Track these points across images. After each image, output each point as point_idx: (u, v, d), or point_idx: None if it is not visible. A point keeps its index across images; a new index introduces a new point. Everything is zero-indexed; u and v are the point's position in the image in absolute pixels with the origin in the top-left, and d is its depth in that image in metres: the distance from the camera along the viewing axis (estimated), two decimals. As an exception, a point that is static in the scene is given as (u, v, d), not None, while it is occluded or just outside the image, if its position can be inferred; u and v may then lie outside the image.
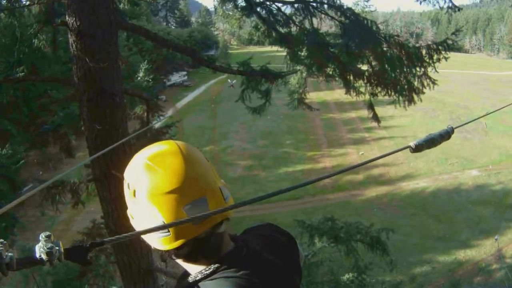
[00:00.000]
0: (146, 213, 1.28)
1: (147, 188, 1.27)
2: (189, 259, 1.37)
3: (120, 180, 1.43)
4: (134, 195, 1.31)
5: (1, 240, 0.97)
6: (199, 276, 1.33)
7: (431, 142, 1.33)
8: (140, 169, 1.30)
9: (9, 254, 0.96)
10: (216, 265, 1.33)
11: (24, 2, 6.76)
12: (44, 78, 12.28)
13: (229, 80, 41.16)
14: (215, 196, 1.30)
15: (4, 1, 6.58)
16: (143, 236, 1.29)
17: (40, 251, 1.00)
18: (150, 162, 1.30)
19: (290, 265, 1.54)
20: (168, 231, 1.26)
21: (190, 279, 1.36)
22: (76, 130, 8.28)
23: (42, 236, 1.02)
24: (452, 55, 6.54)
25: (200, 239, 1.29)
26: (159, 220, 1.25)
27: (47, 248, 1.00)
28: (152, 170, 1.28)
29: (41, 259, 1.00)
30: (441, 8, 6.22)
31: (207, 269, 1.33)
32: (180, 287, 1.45)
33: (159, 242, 1.29)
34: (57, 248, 1.00)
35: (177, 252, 1.33)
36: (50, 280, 12.47)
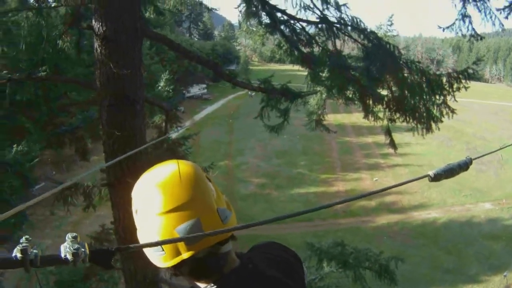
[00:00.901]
0: (146, 230, 1.37)
1: (145, 208, 1.36)
2: (191, 276, 1.41)
3: (133, 188, 1.48)
4: (137, 212, 1.40)
5: (27, 236, 0.98)
6: None
7: (450, 172, 1.32)
8: (141, 189, 1.40)
9: (34, 251, 0.97)
10: (220, 282, 1.37)
11: (51, 3, 6.88)
12: (66, 80, 12.44)
13: (249, 93, 41.49)
14: (211, 218, 1.34)
15: (32, 0, 6.70)
16: (146, 253, 1.39)
17: (65, 251, 1.01)
18: (150, 183, 1.37)
19: (296, 283, 1.55)
20: (163, 250, 1.33)
21: None
22: (93, 134, 8.36)
23: (68, 236, 1.03)
24: (471, 84, 6.46)
25: (198, 258, 1.35)
26: (155, 239, 1.32)
27: (73, 249, 1.01)
28: (150, 192, 1.35)
29: (66, 259, 1.00)
30: (464, 36, 6.17)
31: (209, 286, 1.38)
32: None
33: (159, 260, 1.37)
34: (83, 249, 1.02)
35: (180, 270, 1.40)
36: (53, 280, 12.49)
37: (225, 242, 1.40)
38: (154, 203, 1.33)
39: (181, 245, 1.32)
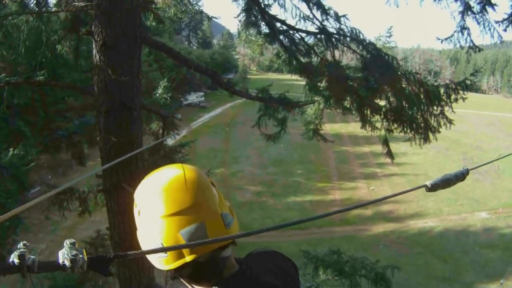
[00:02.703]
0: (148, 232, 1.37)
1: (149, 210, 1.36)
2: (192, 279, 1.41)
3: (130, 194, 1.51)
4: (139, 214, 1.40)
5: (25, 242, 0.98)
6: None
7: (447, 182, 1.33)
8: (146, 192, 1.40)
9: (32, 257, 0.97)
10: (218, 286, 1.38)
11: (51, 8, 6.89)
12: (64, 85, 12.42)
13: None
14: (215, 222, 1.35)
15: (33, 5, 6.71)
16: (147, 256, 1.37)
17: (63, 257, 1.01)
18: (155, 186, 1.38)
19: None
20: (166, 253, 1.34)
21: None
22: (90, 139, 8.36)
23: (66, 242, 1.03)
24: (469, 95, 6.49)
25: (199, 262, 1.35)
26: (158, 241, 1.33)
27: (72, 255, 1.01)
28: (155, 194, 1.36)
29: (64, 265, 1.00)
30: (462, 48, 6.18)
31: None
32: None
33: (159, 262, 1.37)
34: (81, 256, 1.01)
35: (180, 272, 1.40)
36: (48, 284, 12.42)
37: (226, 247, 1.41)
38: (159, 205, 1.33)
39: (184, 249, 1.32)
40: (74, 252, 1.01)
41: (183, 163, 1.57)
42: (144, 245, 1.40)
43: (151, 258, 1.40)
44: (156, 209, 1.34)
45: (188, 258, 1.33)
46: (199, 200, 1.35)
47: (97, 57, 4.88)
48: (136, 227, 1.45)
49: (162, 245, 1.33)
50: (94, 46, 4.92)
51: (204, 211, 1.34)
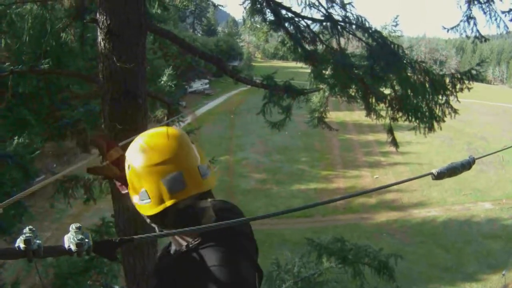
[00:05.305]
0: (135, 183, 1.60)
1: (135, 162, 1.59)
2: (175, 228, 1.54)
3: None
4: (129, 167, 1.62)
5: (31, 226, 0.98)
6: (192, 244, 1.62)
7: (453, 171, 1.34)
8: (133, 147, 1.64)
9: (37, 241, 0.97)
10: (200, 239, 1.60)
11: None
12: (68, 73, 12.37)
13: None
14: (192, 172, 1.57)
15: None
16: (135, 204, 1.64)
17: (69, 241, 1.02)
18: (142, 142, 1.62)
19: (254, 242, 1.86)
20: (149, 198, 1.56)
21: (184, 248, 1.65)
22: (95, 127, 8.36)
23: (72, 227, 1.04)
24: (474, 85, 6.46)
25: (179, 209, 1.57)
26: (142, 188, 1.57)
27: (78, 240, 1.01)
28: (141, 148, 1.60)
29: (70, 249, 1.01)
30: (468, 37, 6.15)
31: (195, 240, 1.61)
32: (179, 253, 1.69)
33: (144, 208, 1.60)
34: (87, 240, 1.02)
35: (165, 222, 1.61)
36: (53, 273, 12.48)
37: (204, 198, 1.64)
38: (144, 158, 1.57)
39: (165, 194, 1.54)
40: (80, 237, 1.02)
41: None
42: (133, 196, 1.64)
43: (140, 206, 1.61)
44: (141, 161, 1.57)
45: (168, 202, 1.54)
46: (178, 153, 1.56)
47: (102, 44, 4.87)
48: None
49: (146, 192, 1.56)
50: (98, 33, 4.91)
51: (182, 162, 1.56)
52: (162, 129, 1.65)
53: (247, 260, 1.69)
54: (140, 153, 1.58)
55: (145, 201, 1.57)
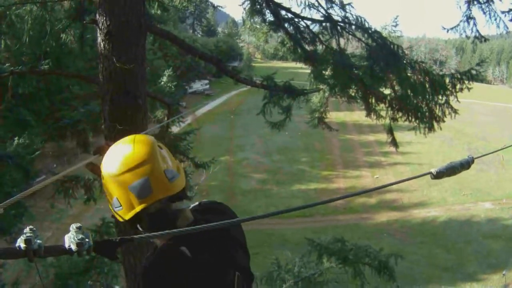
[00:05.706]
0: (107, 190, 1.67)
1: (105, 172, 1.66)
2: (152, 230, 1.51)
3: None
4: (102, 177, 1.69)
5: (31, 226, 0.98)
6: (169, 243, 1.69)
7: (452, 170, 1.34)
8: (105, 160, 1.70)
9: (38, 241, 0.98)
10: (176, 237, 1.65)
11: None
12: (68, 74, 12.42)
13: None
14: (158, 177, 1.62)
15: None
16: (113, 212, 1.70)
17: (70, 241, 1.02)
18: (110, 152, 1.70)
19: (239, 242, 1.93)
20: (121, 206, 1.63)
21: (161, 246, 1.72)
22: (95, 127, 8.38)
23: (73, 226, 1.05)
24: (474, 85, 6.45)
25: (151, 214, 1.64)
26: (114, 196, 1.64)
27: (78, 239, 1.02)
28: (110, 160, 1.67)
29: (70, 249, 1.02)
30: (468, 38, 6.14)
31: (167, 242, 1.69)
32: (159, 251, 1.75)
33: (119, 215, 1.67)
34: (87, 240, 1.03)
35: (141, 225, 1.69)
36: (53, 273, 12.49)
37: (177, 200, 1.70)
38: (111, 167, 1.64)
39: (134, 200, 1.61)
40: (80, 236, 1.03)
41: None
42: (109, 204, 1.70)
43: (116, 214, 1.69)
44: (109, 171, 1.64)
45: (138, 208, 1.60)
46: (144, 160, 1.61)
47: (102, 45, 4.87)
48: None
49: (117, 199, 1.63)
50: (98, 34, 4.91)
51: (147, 168, 1.60)
52: (129, 138, 1.72)
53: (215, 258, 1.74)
54: (108, 163, 1.66)
55: (118, 208, 1.65)
